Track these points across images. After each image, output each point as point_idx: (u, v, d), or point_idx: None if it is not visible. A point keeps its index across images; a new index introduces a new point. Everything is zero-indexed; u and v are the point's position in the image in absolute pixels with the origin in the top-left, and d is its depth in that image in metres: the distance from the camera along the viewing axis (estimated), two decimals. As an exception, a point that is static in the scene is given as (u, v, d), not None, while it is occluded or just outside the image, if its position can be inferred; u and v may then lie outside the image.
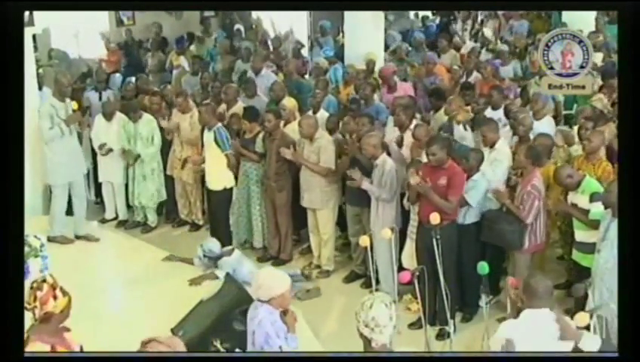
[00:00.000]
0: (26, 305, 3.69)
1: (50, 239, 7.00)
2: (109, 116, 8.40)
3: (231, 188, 7.73)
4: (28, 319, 3.69)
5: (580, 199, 5.81)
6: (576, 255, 5.99)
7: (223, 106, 8.59)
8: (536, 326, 3.94)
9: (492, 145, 6.56)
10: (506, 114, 7.59)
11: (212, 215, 8.05)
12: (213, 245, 6.94)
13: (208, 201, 8.07)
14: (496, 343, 3.99)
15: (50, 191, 7.86)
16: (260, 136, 7.51)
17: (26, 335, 3.65)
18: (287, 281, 4.32)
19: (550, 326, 3.92)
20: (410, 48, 11.89)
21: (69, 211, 7.76)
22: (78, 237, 7.67)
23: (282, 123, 7.70)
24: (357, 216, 6.98)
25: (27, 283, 3.78)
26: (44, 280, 3.74)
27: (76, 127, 7.44)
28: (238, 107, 8.55)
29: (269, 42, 13.00)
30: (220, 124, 7.60)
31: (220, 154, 7.48)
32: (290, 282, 4.37)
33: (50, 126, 7.24)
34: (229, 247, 7.03)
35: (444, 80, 9.97)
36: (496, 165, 6.45)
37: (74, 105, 7.33)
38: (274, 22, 14.01)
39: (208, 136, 7.56)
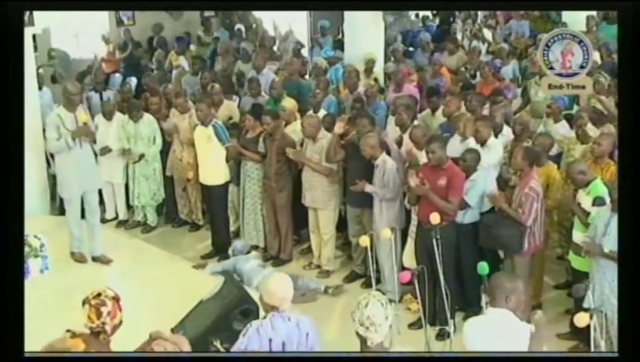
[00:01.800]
0: (89, 324, 3.61)
1: (71, 254, 7.06)
2: (108, 116, 8.41)
3: (228, 182, 7.79)
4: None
5: (584, 199, 5.77)
6: (570, 255, 6.00)
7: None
8: (499, 325, 3.90)
9: (484, 143, 6.56)
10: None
11: (214, 211, 7.96)
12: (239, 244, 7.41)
13: (208, 198, 7.96)
14: (466, 342, 3.95)
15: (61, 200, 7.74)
16: (263, 136, 7.53)
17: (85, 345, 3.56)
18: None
19: (511, 324, 3.89)
20: (411, 49, 11.87)
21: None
22: (94, 259, 7.14)
23: (283, 123, 7.70)
24: (358, 216, 6.98)
25: (27, 283, 3.77)
26: (99, 294, 3.66)
27: (85, 140, 6.82)
28: (225, 106, 8.57)
29: (268, 42, 13.00)
30: (215, 119, 7.68)
31: (220, 148, 7.52)
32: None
33: (57, 137, 6.73)
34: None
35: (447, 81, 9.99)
36: (488, 153, 6.47)
37: (82, 117, 6.78)
38: (274, 22, 14.00)
39: (204, 132, 7.58)
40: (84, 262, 7.06)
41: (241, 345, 4.02)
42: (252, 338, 3.99)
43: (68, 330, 3.65)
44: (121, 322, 3.74)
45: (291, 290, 4.14)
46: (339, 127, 7.03)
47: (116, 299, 3.70)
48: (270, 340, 3.98)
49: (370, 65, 9.95)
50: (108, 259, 7.16)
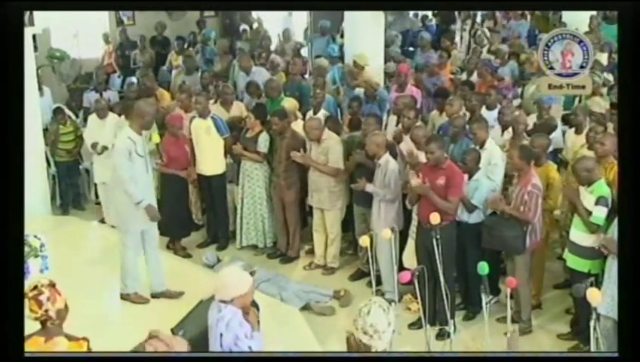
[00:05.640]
0: (34, 316, 3.62)
1: (122, 297, 6.34)
2: (102, 115, 8.38)
3: (225, 172, 7.88)
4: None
5: (587, 198, 5.72)
6: (566, 254, 5.96)
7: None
8: None
9: (482, 145, 6.55)
10: (500, 114, 7.59)
11: (215, 200, 7.95)
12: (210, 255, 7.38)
13: (208, 188, 7.92)
14: None
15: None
16: (262, 135, 7.54)
17: (44, 338, 3.61)
18: (250, 280, 4.20)
19: None
20: (411, 49, 11.85)
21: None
22: (154, 296, 6.40)
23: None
24: (363, 215, 6.99)
25: (27, 283, 3.77)
26: (35, 286, 3.66)
27: (153, 164, 6.34)
28: (236, 105, 8.58)
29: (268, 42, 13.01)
30: (212, 112, 7.79)
31: (218, 140, 7.64)
32: (252, 281, 4.23)
33: (130, 164, 5.95)
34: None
35: (447, 80, 9.98)
36: (493, 170, 6.42)
37: (154, 137, 6.39)
38: (266, 28, 14.01)
39: (204, 124, 7.67)
40: (146, 303, 6.31)
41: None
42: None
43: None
44: (66, 307, 3.72)
45: (221, 282, 4.17)
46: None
47: (52, 285, 3.70)
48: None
49: (358, 67, 9.90)
50: (177, 293, 6.40)
